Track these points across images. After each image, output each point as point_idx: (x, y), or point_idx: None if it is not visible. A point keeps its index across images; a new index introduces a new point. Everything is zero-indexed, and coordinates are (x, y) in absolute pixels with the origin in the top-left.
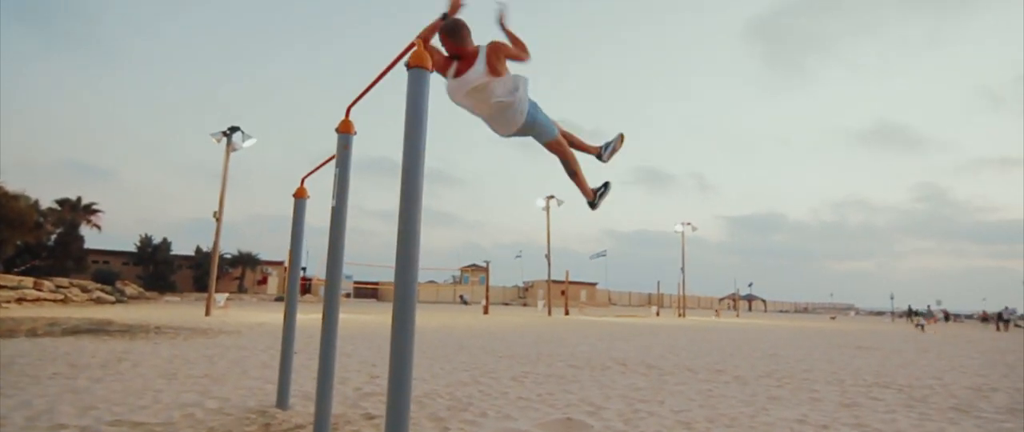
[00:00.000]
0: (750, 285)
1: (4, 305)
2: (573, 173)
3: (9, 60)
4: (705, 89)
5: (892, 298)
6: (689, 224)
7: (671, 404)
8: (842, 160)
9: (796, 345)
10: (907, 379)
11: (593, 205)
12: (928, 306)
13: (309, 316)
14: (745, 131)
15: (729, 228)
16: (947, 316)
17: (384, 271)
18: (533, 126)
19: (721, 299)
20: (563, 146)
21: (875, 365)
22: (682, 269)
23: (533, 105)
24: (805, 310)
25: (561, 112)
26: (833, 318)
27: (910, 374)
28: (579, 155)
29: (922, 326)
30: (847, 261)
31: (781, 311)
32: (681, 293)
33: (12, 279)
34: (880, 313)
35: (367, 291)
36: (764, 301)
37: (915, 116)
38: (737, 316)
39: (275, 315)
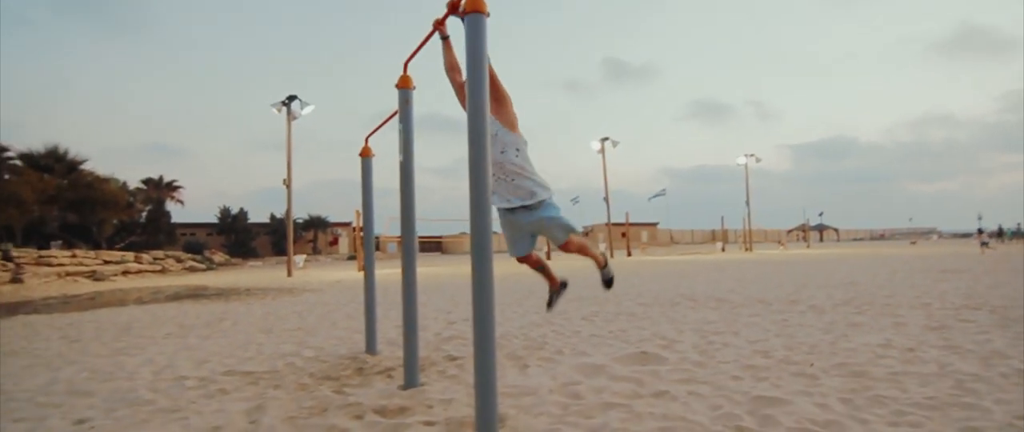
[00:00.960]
0: (820, 214)
1: (112, 278)
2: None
3: (74, 54)
4: (758, 10)
5: (980, 218)
6: (752, 155)
7: (746, 335)
8: (919, 73)
9: (875, 272)
10: (1001, 300)
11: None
12: (1018, 224)
13: (382, 271)
14: (806, 50)
15: (794, 157)
16: None
17: (444, 226)
18: (544, 221)
19: (789, 230)
20: (584, 246)
21: (964, 287)
22: (747, 203)
23: (554, 207)
24: (882, 237)
25: (604, 44)
26: (913, 243)
27: (1004, 295)
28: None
29: (986, 244)
30: (927, 182)
31: (856, 239)
32: (746, 227)
33: (115, 254)
34: (966, 235)
35: (431, 245)
36: (837, 230)
37: (1003, 16)
38: (808, 247)
39: (350, 273)
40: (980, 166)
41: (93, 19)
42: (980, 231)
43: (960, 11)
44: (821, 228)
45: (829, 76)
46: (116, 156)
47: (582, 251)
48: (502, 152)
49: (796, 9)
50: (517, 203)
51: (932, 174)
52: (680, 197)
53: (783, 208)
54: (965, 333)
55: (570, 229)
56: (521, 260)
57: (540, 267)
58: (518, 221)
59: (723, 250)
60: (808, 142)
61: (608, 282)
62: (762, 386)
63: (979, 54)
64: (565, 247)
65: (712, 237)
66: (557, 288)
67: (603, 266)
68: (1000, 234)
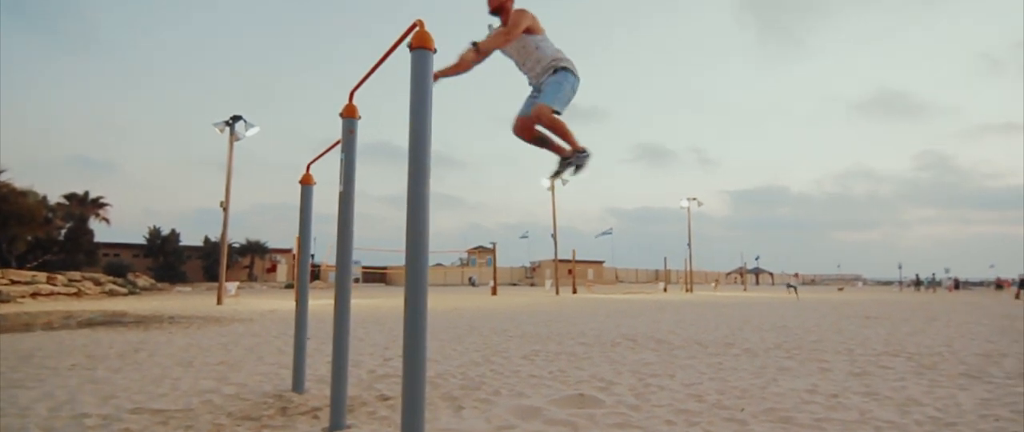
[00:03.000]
0: (757, 258)
1: (19, 300)
2: (560, 134)
3: (8, 60)
4: (701, 63)
5: (900, 267)
6: (694, 199)
7: (682, 378)
8: (843, 130)
9: (804, 317)
10: (916, 347)
11: (569, 165)
12: (932, 274)
13: (319, 302)
14: (744, 104)
15: (732, 202)
16: (957, 284)
17: (391, 256)
18: (551, 84)
19: (728, 273)
20: (555, 122)
21: (884, 334)
22: (689, 244)
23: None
24: (812, 282)
25: None
26: (841, 289)
27: (919, 342)
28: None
29: (792, 287)
30: (853, 232)
31: (788, 284)
32: (688, 268)
33: (25, 274)
34: (888, 283)
35: (375, 276)
36: (772, 274)
37: (915, 83)
38: (745, 290)
39: (286, 302)
40: (900, 218)
41: (37, 28)
42: (920, 282)
43: (877, 75)
44: (758, 272)
45: (764, 128)
46: (35, 168)
47: (554, 128)
48: (537, 48)
49: (734, 63)
50: (541, 71)
51: (857, 224)
52: (625, 237)
53: (722, 251)
54: (884, 380)
55: (556, 101)
56: (520, 127)
57: (538, 139)
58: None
59: (665, 290)
60: (745, 189)
61: (579, 164)
62: None
63: (896, 116)
64: (537, 118)
65: (655, 277)
66: (569, 154)
67: (581, 150)
68: (918, 283)
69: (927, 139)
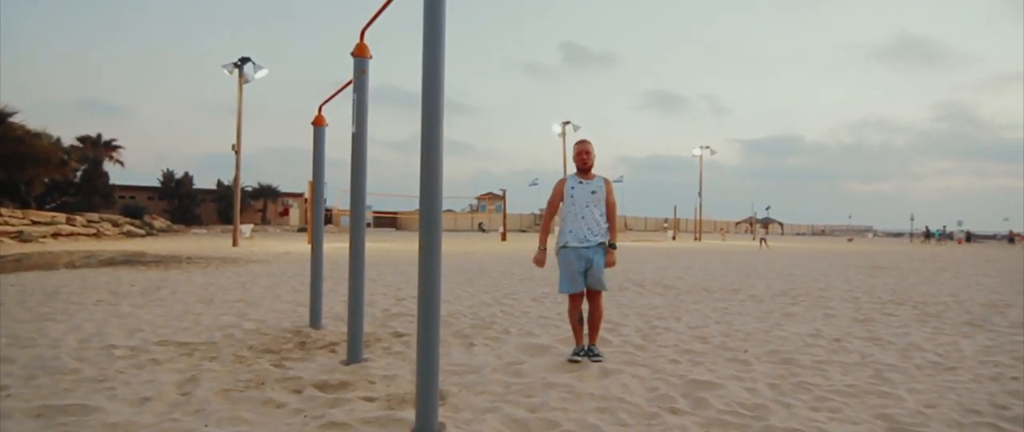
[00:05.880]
0: (767, 208)
1: (40, 240)
2: (596, 321)
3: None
4: (715, 5)
5: (912, 219)
6: (707, 148)
7: (687, 321)
8: (861, 78)
9: (812, 266)
10: (922, 296)
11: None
12: (943, 226)
13: (332, 245)
14: (760, 51)
15: (744, 151)
16: (969, 237)
17: (402, 201)
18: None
19: (737, 223)
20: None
21: (891, 284)
22: (699, 193)
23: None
24: (822, 232)
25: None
26: (850, 240)
27: (926, 292)
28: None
29: (764, 239)
30: (866, 183)
31: (798, 234)
32: (698, 217)
33: (45, 215)
34: (899, 234)
35: (386, 221)
36: (781, 224)
37: (938, 28)
38: (754, 239)
39: (300, 244)
40: (913, 170)
41: None
42: (929, 234)
43: (900, 22)
44: (767, 222)
45: (779, 76)
46: (47, 111)
47: (600, 316)
48: (596, 206)
49: (750, 9)
50: (595, 240)
51: (870, 175)
52: (635, 185)
53: (732, 200)
54: (888, 326)
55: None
56: (578, 299)
57: (580, 319)
58: (585, 255)
59: (674, 239)
60: (758, 138)
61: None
62: (698, 370)
63: (916, 64)
64: (600, 296)
65: (665, 225)
66: (581, 347)
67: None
68: (928, 235)
69: (947, 88)
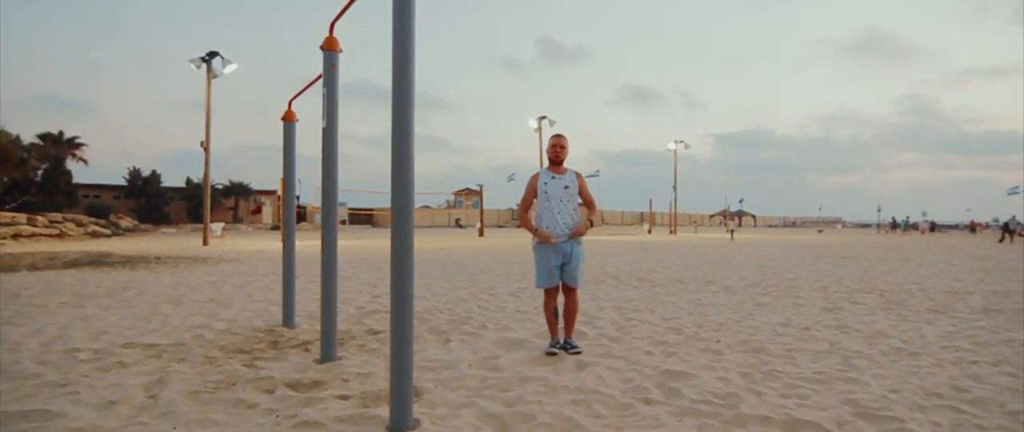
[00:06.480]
0: (741, 201)
1: (0, 241)
2: (572, 314)
3: None
4: (689, 3)
5: (879, 210)
6: (681, 142)
7: (662, 312)
8: (829, 74)
9: (783, 257)
10: (888, 285)
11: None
12: (907, 217)
13: (305, 243)
14: (731, 46)
15: (718, 145)
16: (933, 227)
17: (378, 198)
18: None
19: (711, 216)
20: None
21: (858, 273)
22: (674, 187)
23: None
24: (794, 224)
25: (538, 23)
26: (820, 231)
27: (891, 281)
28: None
29: (733, 231)
30: (834, 175)
31: (771, 226)
32: (673, 211)
33: (5, 216)
34: (867, 225)
35: (361, 217)
36: (754, 216)
37: (904, 24)
38: (727, 231)
39: (272, 243)
40: (880, 162)
41: None
42: (896, 224)
43: (867, 18)
44: (740, 214)
45: (751, 71)
46: (3, 107)
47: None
48: (569, 200)
49: (721, 5)
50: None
51: (838, 168)
52: (611, 179)
53: (706, 193)
54: (855, 314)
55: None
56: (553, 293)
57: (555, 312)
58: (562, 249)
59: (650, 232)
60: (731, 132)
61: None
62: (671, 361)
63: (882, 59)
64: (575, 290)
65: (641, 219)
66: (557, 340)
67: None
68: (895, 226)
69: (911, 83)
